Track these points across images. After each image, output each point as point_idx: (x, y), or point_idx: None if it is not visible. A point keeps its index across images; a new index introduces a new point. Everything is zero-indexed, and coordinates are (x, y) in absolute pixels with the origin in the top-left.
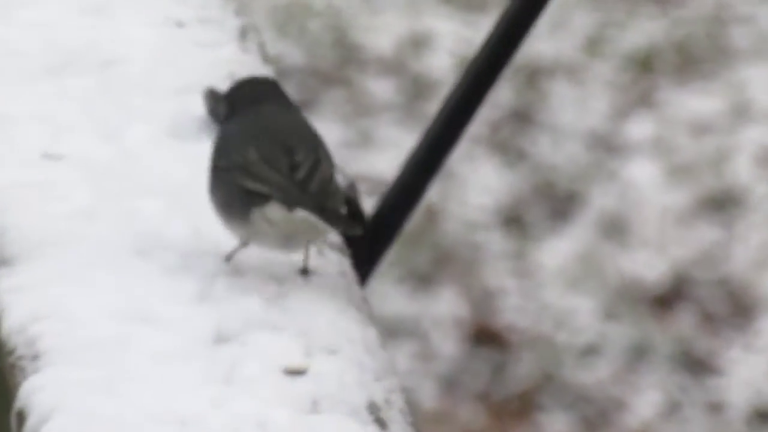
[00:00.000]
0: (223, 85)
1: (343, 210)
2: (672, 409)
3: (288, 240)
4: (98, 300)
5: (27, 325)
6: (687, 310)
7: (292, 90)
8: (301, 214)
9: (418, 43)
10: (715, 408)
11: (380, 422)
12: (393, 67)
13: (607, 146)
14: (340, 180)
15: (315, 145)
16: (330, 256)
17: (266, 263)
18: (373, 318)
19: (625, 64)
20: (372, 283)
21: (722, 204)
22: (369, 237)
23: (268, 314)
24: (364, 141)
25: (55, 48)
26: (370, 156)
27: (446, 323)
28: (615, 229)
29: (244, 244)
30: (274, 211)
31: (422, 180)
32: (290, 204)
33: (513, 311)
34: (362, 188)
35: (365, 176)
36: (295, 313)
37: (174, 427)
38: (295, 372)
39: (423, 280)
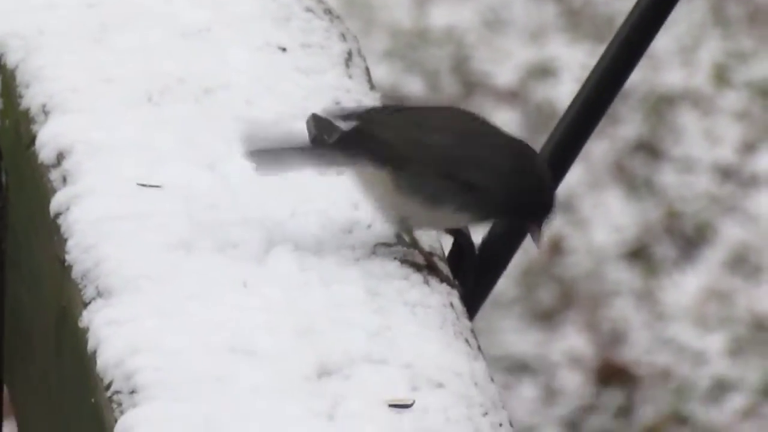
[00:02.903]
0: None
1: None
2: None
3: None
4: (197, 334)
5: (124, 359)
6: None
7: None
8: None
9: (542, 72)
10: None
11: None
12: (516, 96)
13: (735, 178)
14: None
15: None
16: (437, 288)
17: (370, 296)
18: (481, 351)
19: (754, 94)
20: (493, 320)
21: None
22: (477, 268)
23: (371, 347)
24: None
25: (155, 74)
26: None
27: (570, 360)
28: (744, 262)
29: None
30: None
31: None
32: None
33: (639, 348)
34: None
35: None
36: (399, 345)
37: None
38: (400, 406)
39: (547, 316)
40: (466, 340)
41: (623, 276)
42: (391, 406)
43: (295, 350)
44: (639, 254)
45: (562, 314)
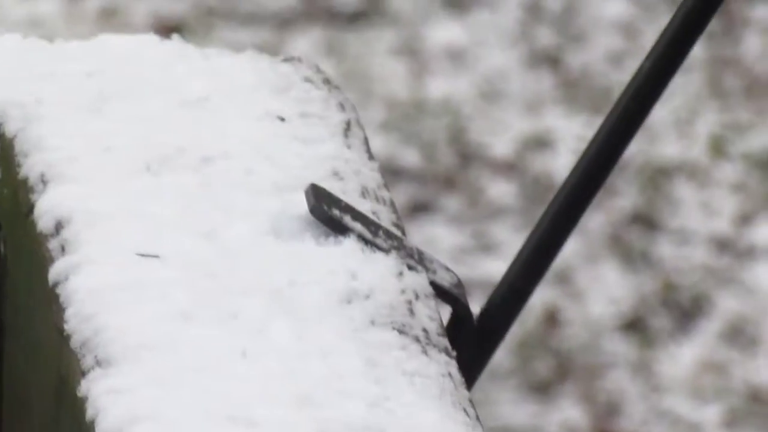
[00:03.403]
0: (326, 182)
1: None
2: None
3: None
4: (196, 403)
5: (123, 428)
6: None
7: (406, 192)
8: None
9: (539, 143)
10: None
11: None
12: (513, 168)
13: (732, 250)
14: (446, 277)
15: None
16: (435, 357)
17: (368, 366)
18: (479, 421)
19: (750, 166)
20: (490, 391)
21: None
22: (475, 338)
23: (370, 418)
24: (481, 246)
25: (154, 144)
26: (486, 262)
27: (567, 430)
28: (740, 334)
29: None
30: None
31: (530, 281)
32: None
33: (635, 419)
34: (478, 293)
35: (481, 282)
36: (398, 415)
37: None
38: None
39: (543, 388)
40: (465, 410)
41: (619, 348)
42: None
43: (295, 421)
44: (635, 326)
45: (558, 386)
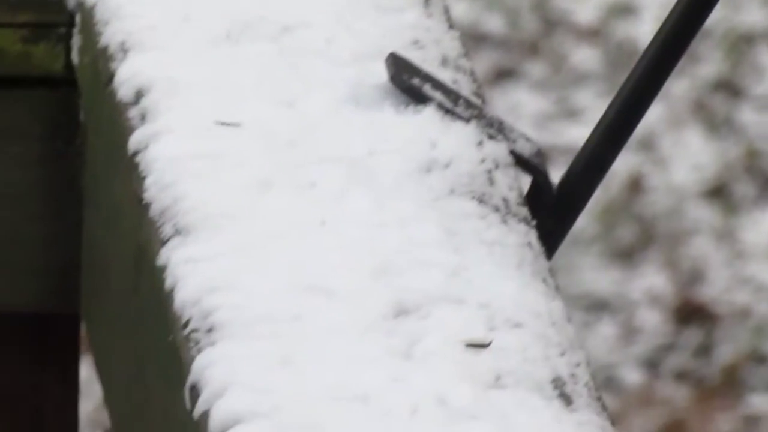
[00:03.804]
0: (406, 51)
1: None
2: None
3: None
4: (274, 273)
5: (202, 297)
6: None
7: (489, 58)
8: None
9: (623, 10)
10: None
11: (565, 397)
12: (596, 35)
13: None
14: (526, 146)
15: None
16: (515, 227)
17: (447, 235)
18: (559, 290)
19: None
20: (573, 258)
21: None
22: (555, 207)
23: (449, 287)
24: (564, 112)
25: (234, 12)
26: (570, 128)
27: (650, 299)
28: None
29: None
30: None
31: (611, 148)
32: None
33: (719, 287)
34: (561, 160)
35: (564, 148)
36: (477, 285)
37: (353, 404)
38: (478, 346)
39: (625, 255)
40: (544, 280)
41: (703, 214)
42: (468, 345)
43: (373, 289)
44: (719, 193)
45: (642, 252)
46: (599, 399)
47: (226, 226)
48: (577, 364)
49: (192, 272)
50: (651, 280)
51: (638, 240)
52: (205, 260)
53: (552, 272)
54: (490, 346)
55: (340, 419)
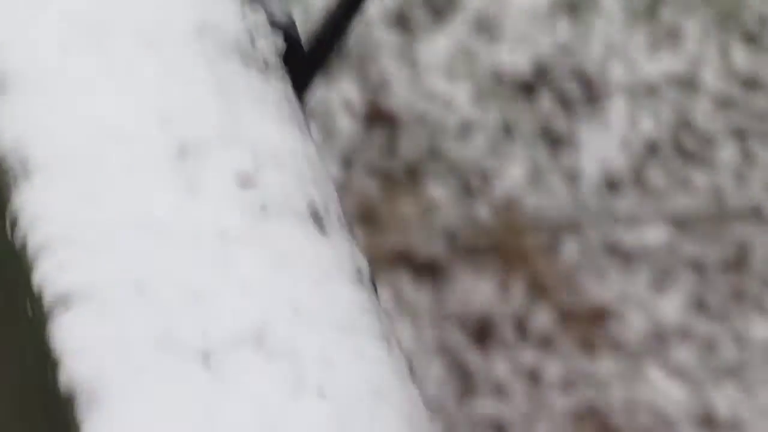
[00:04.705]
0: None
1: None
2: (535, 177)
3: None
4: (80, 119)
5: (18, 146)
6: (547, 94)
7: None
8: None
9: None
10: (571, 176)
11: (320, 224)
12: None
13: None
14: (282, 16)
15: None
16: (274, 83)
17: (219, 90)
18: (312, 135)
19: None
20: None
21: (576, 6)
22: (307, 64)
23: (223, 132)
24: None
25: None
26: None
27: (346, 106)
28: (486, 26)
29: None
30: None
31: (345, 17)
32: None
33: (401, 96)
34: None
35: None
36: (245, 131)
37: (143, 231)
38: (247, 182)
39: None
40: (299, 126)
41: (388, 38)
42: (239, 182)
43: (159, 134)
44: (400, 21)
45: (339, 70)
46: (350, 229)
47: (39, 81)
48: (330, 198)
49: (10, 123)
50: (346, 91)
51: (336, 60)
52: (23, 118)
53: (306, 120)
54: (257, 180)
55: (132, 245)
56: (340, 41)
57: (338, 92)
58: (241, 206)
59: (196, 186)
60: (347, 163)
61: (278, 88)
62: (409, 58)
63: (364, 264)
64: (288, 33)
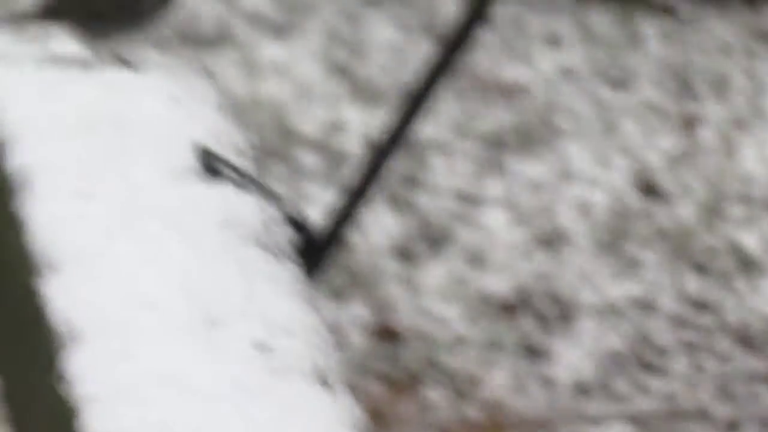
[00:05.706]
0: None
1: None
2: (517, 383)
3: None
4: (119, 289)
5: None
6: (527, 314)
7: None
8: None
9: (337, 127)
10: (547, 382)
11: (326, 384)
12: (319, 145)
13: (470, 200)
14: (293, 210)
15: None
16: (287, 265)
17: (240, 271)
18: (320, 310)
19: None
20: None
21: (551, 240)
22: (316, 250)
23: (243, 306)
24: (299, 198)
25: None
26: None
27: (357, 324)
28: (475, 257)
29: None
30: None
31: (349, 214)
32: None
33: (404, 315)
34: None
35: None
36: (262, 305)
37: (169, 383)
38: (262, 346)
39: (338, 293)
40: (309, 302)
41: (393, 266)
42: (255, 345)
43: (186, 305)
44: (403, 251)
45: (350, 292)
46: (352, 390)
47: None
48: (332, 361)
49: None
50: (356, 311)
51: (347, 283)
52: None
53: (315, 297)
54: (270, 346)
55: (160, 398)
56: (343, 234)
57: (350, 313)
58: (256, 367)
59: (216, 349)
60: (358, 370)
61: (290, 269)
62: (411, 283)
63: (361, 417)
64: (299, 225)
